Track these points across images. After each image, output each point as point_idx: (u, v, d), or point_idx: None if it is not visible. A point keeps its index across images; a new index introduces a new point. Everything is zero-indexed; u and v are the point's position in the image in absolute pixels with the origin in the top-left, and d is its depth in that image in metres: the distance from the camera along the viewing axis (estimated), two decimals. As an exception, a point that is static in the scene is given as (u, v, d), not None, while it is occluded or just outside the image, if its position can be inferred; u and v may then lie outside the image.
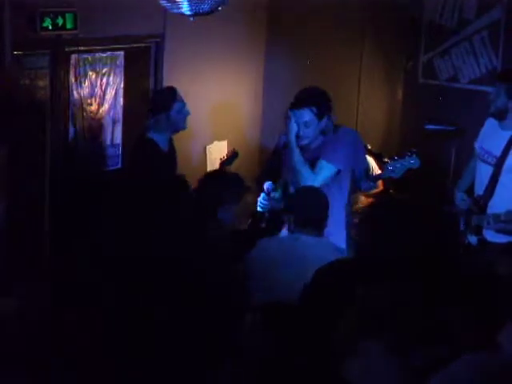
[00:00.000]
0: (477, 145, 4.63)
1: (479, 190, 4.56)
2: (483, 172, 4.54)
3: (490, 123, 4.57)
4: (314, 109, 4.34)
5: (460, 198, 4.61)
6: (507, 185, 4.40)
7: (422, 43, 6.25)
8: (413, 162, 4.23)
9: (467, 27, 5.92)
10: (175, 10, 4.20)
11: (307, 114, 4.35)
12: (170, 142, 4.95)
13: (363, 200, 5.09)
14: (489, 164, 4.50)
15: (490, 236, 4.41)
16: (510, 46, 5.63)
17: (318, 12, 5.97)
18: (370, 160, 5.75)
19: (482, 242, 4.42)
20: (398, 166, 4.27)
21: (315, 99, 4.37)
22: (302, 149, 4.42)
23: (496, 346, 2.19)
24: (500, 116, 4.44)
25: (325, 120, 4.38)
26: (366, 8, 6.04)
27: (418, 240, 2.86)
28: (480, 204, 4.47)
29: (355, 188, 4.55)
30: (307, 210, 3.84)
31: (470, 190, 4.71)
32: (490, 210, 4.43)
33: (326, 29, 6.11)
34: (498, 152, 4.44)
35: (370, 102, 6.50)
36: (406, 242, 2.90)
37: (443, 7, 6.05)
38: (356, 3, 6.01)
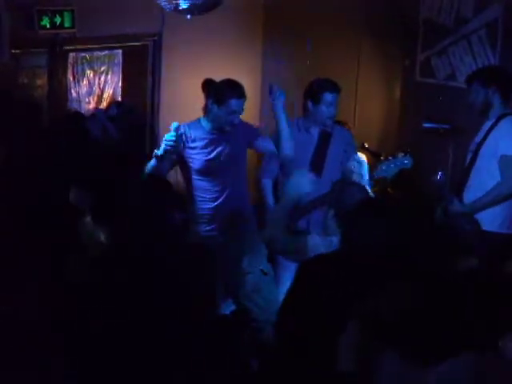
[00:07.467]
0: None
1: None
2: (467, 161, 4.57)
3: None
4: None
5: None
6: (481, 169, 4.40)
7: (419, 42, 6.23)
8: (406, 162, 4.30)
9: (465, 26, 5.89)
10: (171, 7, 4.20)
11: None
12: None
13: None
14: (471, 151, 4.52)
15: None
16: (507, 45, 5.60)
17: (316, 11, 5.98)
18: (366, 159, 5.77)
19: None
20: (391, 165, 4.32)
21: None
22: None
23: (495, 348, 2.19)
24: (486, 111, 4.47)
25: None
26: (364, 7, 6.05)
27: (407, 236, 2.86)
28: (456, 189, 4.49)
29: None
30: None
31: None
32: (464, 195, 4.44)
33: (325, 27, 6.12)
34: (479, 139, 4.47)
35: (367, 100, 6.51)
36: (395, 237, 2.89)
37: (441, 6, 6.03)
38: (354, 2, 6.02)
